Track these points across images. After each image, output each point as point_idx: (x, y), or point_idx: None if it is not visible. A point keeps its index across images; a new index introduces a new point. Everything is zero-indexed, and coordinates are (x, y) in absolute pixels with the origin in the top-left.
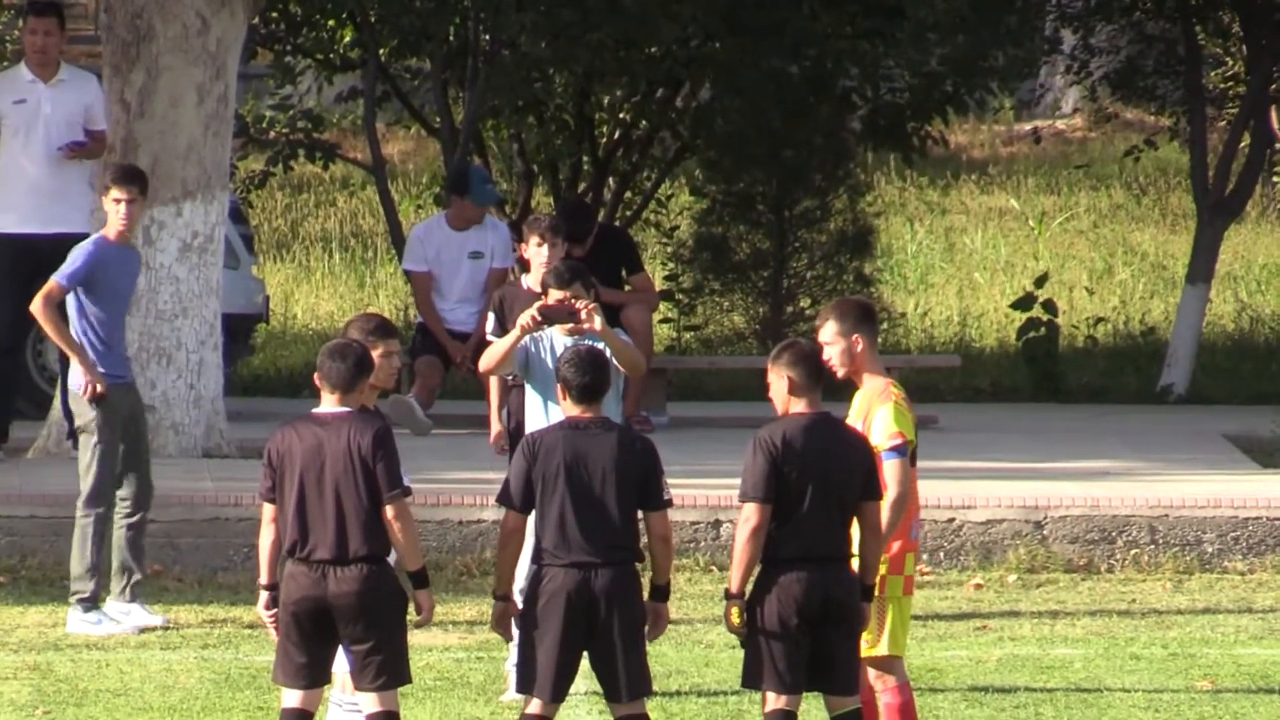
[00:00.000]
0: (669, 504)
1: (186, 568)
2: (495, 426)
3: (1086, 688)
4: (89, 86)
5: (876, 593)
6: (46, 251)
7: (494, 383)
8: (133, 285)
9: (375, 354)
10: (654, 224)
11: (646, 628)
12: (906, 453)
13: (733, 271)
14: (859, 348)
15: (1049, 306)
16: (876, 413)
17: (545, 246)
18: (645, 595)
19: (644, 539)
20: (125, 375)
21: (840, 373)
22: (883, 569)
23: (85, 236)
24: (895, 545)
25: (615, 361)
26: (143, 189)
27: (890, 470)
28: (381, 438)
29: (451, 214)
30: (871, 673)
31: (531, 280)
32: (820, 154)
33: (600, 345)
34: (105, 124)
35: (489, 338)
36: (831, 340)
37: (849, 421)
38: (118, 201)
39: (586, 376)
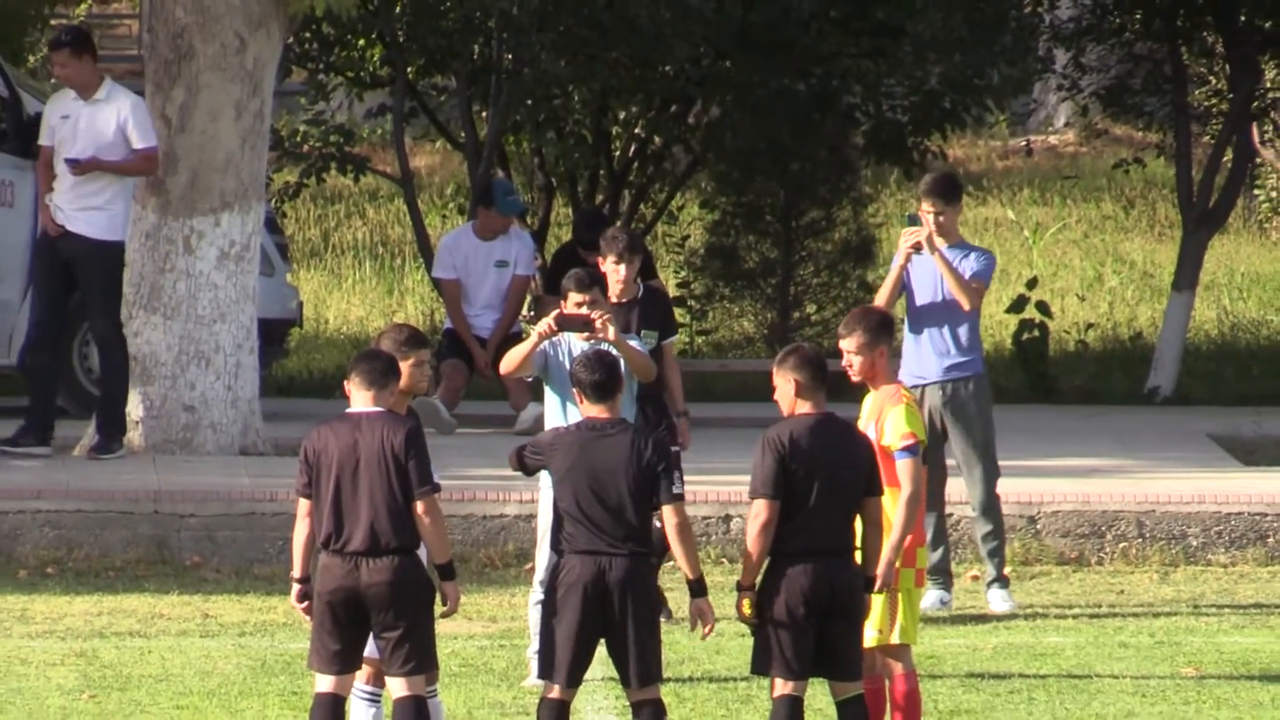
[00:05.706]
0: (680, 498)
1: (224, 560)
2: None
3: (1077, 674)
4: (124, 104)
5: (890, 584)
6: (65, 254)
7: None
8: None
9: (407, 364)
10: (667, 234)
11: (668, 617)
12: (919, 452)
13: (742, 279)
14: (882, 359)
15: (1042, 307)
16: (889, 414)
17: (623, 266)
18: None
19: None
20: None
21: (856, 379)
22: (896, 563)
23: (105, 245)
24: (908, 539)
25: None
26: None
27: (904, 469)
28: (413, 437)
29: (478, 224)
30: (881, 660)
31: (611, 294)
32: (825, 168)
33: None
34: (146, 142)
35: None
36: (856, 350)
37: (860, 423)
38: (926, 214)
39: (596, 374)
